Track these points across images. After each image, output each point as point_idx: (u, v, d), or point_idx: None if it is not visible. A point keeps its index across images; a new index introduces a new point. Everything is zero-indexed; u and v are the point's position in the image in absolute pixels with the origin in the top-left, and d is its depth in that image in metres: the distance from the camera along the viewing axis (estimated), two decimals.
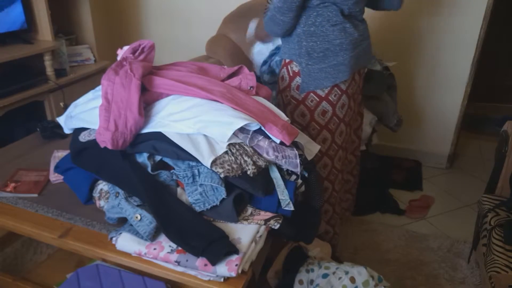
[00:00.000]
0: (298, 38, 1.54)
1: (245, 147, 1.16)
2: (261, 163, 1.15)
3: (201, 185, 1.13)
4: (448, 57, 2.64)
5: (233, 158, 1.13)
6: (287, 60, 1.61)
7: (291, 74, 1.61)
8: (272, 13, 1.51)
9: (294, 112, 1.67)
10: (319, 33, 1.51)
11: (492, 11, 2.47)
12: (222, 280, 1.03)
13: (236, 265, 1.01)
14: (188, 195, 1.15)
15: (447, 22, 2.56)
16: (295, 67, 1.59)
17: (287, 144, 1.18)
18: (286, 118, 1.27)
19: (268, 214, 1.15)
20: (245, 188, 1.15)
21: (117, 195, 1.16)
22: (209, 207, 1.12)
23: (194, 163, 1.15)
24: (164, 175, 1.18)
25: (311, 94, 1.59)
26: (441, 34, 2.60)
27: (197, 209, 1.13)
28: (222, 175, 1.10)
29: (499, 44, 3.62)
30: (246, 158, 1.13)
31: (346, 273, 1.31)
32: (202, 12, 2.98)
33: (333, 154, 1.71)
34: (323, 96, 1.59)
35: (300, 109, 1.64)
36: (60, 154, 1.51)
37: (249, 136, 1.17)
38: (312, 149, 1.37)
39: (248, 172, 1.12)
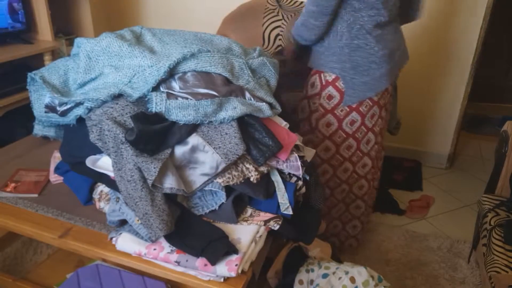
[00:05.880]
0: (341, 51, 1.50)
1: (245, 154, 1.15)
2: (263, 168, 1.15)
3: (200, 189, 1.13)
4: (448, 57, 2.64)
5: (233, 165, 1.12)
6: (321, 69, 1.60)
7: (323, 83, 1.59)
8: (304, 18, 1.46)
9: (319, 120, 1.66)
10: (363, 46, 1.48)
11: (492, 11, 2.47)
12: (222, 280, 1.03)
13: (236, 265, 1.01)
14: (187, 199, 1.15)
15: (447, 22, 2.56)
16: (328, 77, 1.58)
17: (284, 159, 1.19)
18: (284, 123, 1.27)
19: (268, 215, 1.15)
20: (246, 192, 1.15)
21: (118, 200, 1.16)
22: (207, 211, 1.12)
23: None
24: None
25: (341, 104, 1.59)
26: (441, 34, 2.60)
27: (196, 213, 1.13)
28: (222, 184, 1.10)
29: (499, 44, 3.62)
30: (247, 166, 1.13)
31: (346, 273, 1.30)
32: (201, 13, 2.98)
33: (356, 160, 1.72)
34: (354, 107, 1.59)
35: (327, 118, 1.64)
36: (60, 154, 1.50)
37: None
38: (308, 154, 1.38)
39: (252, 179, 1.12)
